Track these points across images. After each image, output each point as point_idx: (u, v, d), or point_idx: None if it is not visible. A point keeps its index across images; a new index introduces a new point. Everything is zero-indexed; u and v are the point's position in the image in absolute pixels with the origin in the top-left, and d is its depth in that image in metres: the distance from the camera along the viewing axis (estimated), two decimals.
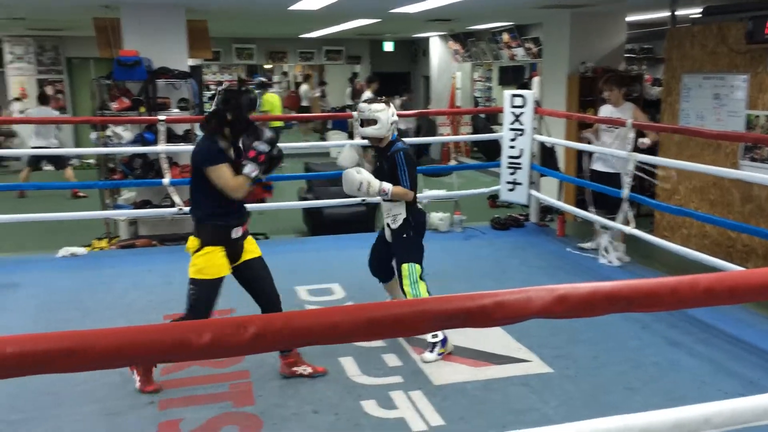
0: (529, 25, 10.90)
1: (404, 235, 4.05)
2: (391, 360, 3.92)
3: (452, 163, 12.47)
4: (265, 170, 3.43)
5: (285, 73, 21.79)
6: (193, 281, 3.40)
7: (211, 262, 3.38)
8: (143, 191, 7.05)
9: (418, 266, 4.01)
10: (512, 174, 6.84)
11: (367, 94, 12.24)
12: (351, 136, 14.22)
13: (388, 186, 3.95)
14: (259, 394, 3.51)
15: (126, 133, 6.75)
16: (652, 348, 4.11)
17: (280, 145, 3.44)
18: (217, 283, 3.42)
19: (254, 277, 3.56)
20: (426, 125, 13.12)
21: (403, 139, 4.26)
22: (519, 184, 6.82)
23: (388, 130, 3.99)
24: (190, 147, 6.93)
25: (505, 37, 11.51)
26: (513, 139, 6.76)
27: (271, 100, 12.20)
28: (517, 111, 6.67)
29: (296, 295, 5.06)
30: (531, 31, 10.89)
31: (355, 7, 8.14)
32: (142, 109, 6.76)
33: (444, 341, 3.93)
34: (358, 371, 3.78)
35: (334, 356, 3.92)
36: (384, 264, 4.34)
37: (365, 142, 4.30)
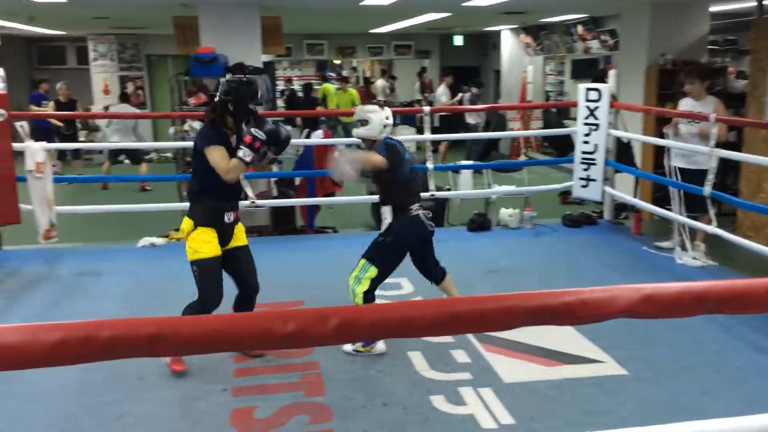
0: (606, 17, 10.59)
1: (381, 238, 3.94)
2: (460, 356, 3.90)
3: (522, 158, 12.28)
4: (263, 156, 3.47)
5: (354, 68, 21.95)
6: (194, 263, 3.51)
7: (205, 241, 3.49)
8: None
9: (374, 270, 3.85)
10: (586, 170, 6.67)
11: (442, 87, 12.20)
12: (420, 131, 14.25)
13: (364, 154, 3.89)
14: (329, 385, 3.56)
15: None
16: (734, 352, 3.94)
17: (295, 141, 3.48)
18: (215, 260, 3.51)
19: (240, 265, 3.69)
20: (495, 120, 12.96)
21: (394, 139, 4.03)
22: (593, 180, 6.65)
23: (379, 132, 3.90)
24: None
25: (580, 29, 11.23)
26: (587, 134, 6.59)
27: (353, 95, 12.55)
28: (592, 105, 6.50)
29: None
30: (607, 22, 10.58)
31: (427, 1, 8.11)
32: None
33: (371, 342, 3.91)
34: (427, 366, 3.77)
35: (402, 350, 3.93)
36: (425, 266, 4.23)
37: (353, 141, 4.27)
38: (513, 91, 13.96)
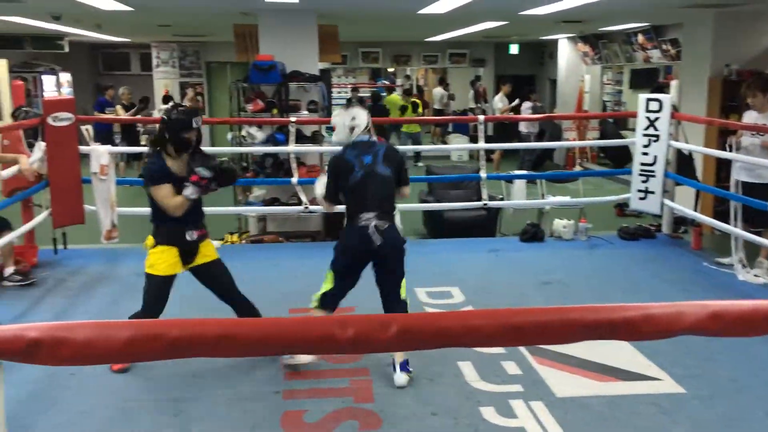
0: (667, 26, 10.33)
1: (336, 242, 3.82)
2: (511, 368, 3.85)
3: (577, 168, 12.09)
4: (207, 190, 3.61)
5: (408, 77, 21.99)
6: (146, 276, 3.66)
7: (161, 260, 3.61)
8: (272, 189, 7.37)
9: (331, 274, 3.72)
10: (644, 182, 6.51)
11: (500, 95, 12.12)
12: (473, 140, 14.17)
13: (318, 192, 3.84)
14: (378, 392, 3.56)
15: (259, 133, 7.08)
16: None
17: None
18: (166, 279, 3.64)
19: (213, 279, 3.78)
20: (550, 129, 12.80)
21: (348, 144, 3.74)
22: (651, 192, 6.49)
23: (347, 136, 3.70)
24: (317, 148, 7.20)
25: (641, 38, 10.99)
26: (646, 146, 6.44)
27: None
28: (653, 116, 6.35)
29: (415, 296, 5.09)
30: (669, 31, 10.32)
31: (484, 10, 8.08)
32: (275, 111, 7.07)
33: None
34: (477, 377, 3.74)
35: (452, 360, 3.90)
36: (381, 291, 3.84)
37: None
38: (569, 100, 13.76)
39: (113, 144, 10.18)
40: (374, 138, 3.81)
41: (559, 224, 6.74)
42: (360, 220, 3.56)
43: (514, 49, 15.70)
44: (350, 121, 3.69)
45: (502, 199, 7.48)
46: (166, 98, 11.50)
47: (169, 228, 3.63)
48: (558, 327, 1.02)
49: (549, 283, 5.39)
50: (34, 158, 5.52)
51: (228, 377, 3.72)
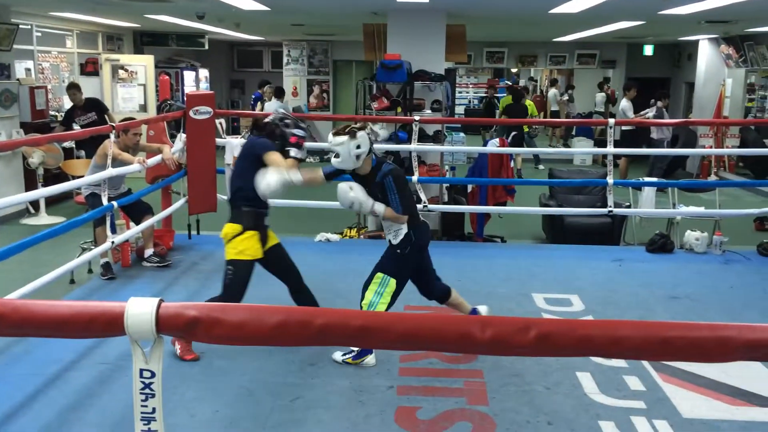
0: None
1: (398, 251, 3.82)
2: (633, 383, 3.68)
3: (713, 178, 11.35)
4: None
5: (532, 78, 21.55)
6: (232, 263, 3.78)
7: (251, 245, 3.79)
8: None
9: (394, 282, 3.76)
10: None
11: (625, 101, 11.60)
12: (597, 144, 13.66)
13: (380, 209, 3.75)
14: (492, 395, 3.52)
15: (382, 131, 7.19)
16: None
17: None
18: (253, 264, 3.82)
19: (280, 261, 4.01)
20: (685, 135, 12.09)
21: (389, 156, 3.93)
22: None
23: (354, 163, 3.71)
24: (438, 147, 7.21)
25: None
26: None
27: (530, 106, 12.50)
28: None
29: (533, 302, 4.99)
30: None
31: (620, 9, 7.75)
32: (399, 109, 7.15)
33: (360, 354, 3.79)
34: (596, 389, 3.61)
35: (571, 369, 3.79)
36: (426, 280, 4.03)
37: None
38: (707, 105, 12.92)
39: None
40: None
41: (691, 236, 6.36)
42: (420, 217, 3.93)
43: (648, 50, 14.96)
44: (356, 150, 3.69)
45: (629, 207, 7.15)
46: (279, 91, 11.90)
47: (256, 212, 3.83)
48: (711, 344, 0.96)
49: (677, 297, 5.11)
50: (175, 148, 5.91)
51: (343, 368, 3.82)
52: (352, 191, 3.73)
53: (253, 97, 13.31)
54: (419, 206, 6.50)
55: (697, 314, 4.75)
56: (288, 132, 3.84)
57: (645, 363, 3.87)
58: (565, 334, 0.99)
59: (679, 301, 5.03)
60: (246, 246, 3.79)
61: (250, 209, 3.82)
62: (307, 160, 13.08)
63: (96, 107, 8.52)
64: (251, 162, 3.82)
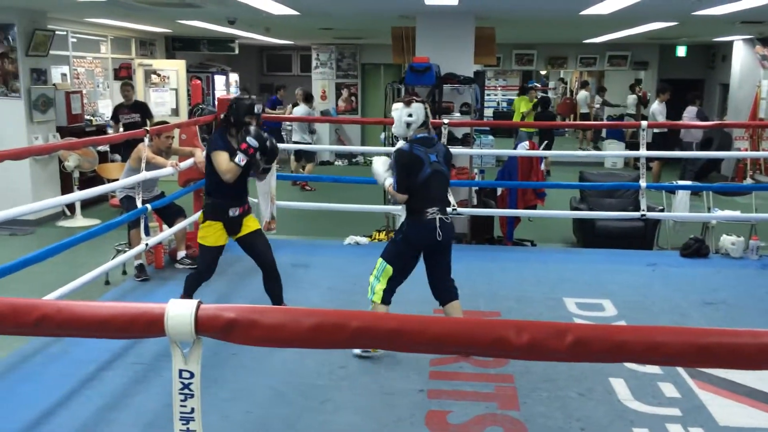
0: None
1: (394, 237, 4.06)
2: (668, 389, 3.63)
3: (749, 181, 11.12)
4: (265, 161, 4.23)
5: (562, 79, 21.36)
6: (199, 246, 4.35)
7: (210, 233, 4.23)
8: None
9: (390, 268, 3.87)
10: None
11: (657, 104, 11.43)
12: (630, 147, 13.47)
13: (386, 183, 3.95)
14: (524, 401, 3.50)
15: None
16: None
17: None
18: (216, 249, 4.27)
19: (254, 246, 4.35)
20: (719, 138, 11.87)
21: (418, 138, 3.86)
22: None
23: (403, 130, 3.88)
24: (468, 150, 7.19)
25: None
26: None
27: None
28: None
29: (564, 306, 4.94)
30: None
31: (652, 11, 7.64)
32: None
33: None
34: (630, 395, 3.56)
35: (604, 375, 3.74)
36: (433, 279, 4.04)
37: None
38: (742, 107, 12.66)
39: (282, 141, 10.75)
40: (434, 134, 4.03)
41: (727, 240, 6.23)
42: (427, 214, 3.82)
43: (681, 51, 14.71)
44: (407, 117, 3.85)
45: (662, 210, 7.04)
46: (308, 96, 11.92)
47: (214, 204, 4.23)
48: (753, 351, 0.94)
49: (712, 303, 5.01)
50: None
51: (372, 370, 3.82)
52: (374, 163, 4.07)
53: (270, 100, 13.24)
54: (448, 209, 6.49)
55: (733, 320, 4.65)
56: (244, 137, 4.11)
57: (680, 369, 3.81)
58: (603, 339, 0.98)
59: (715, 307, 4.93)
60: (206, 233, 4.25)
61: (210, 201, 4.26)
62: (336, 163, 13.17)
63: (142, 110, 8.80)
64: (208, 159, 4.24)
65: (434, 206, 3.82)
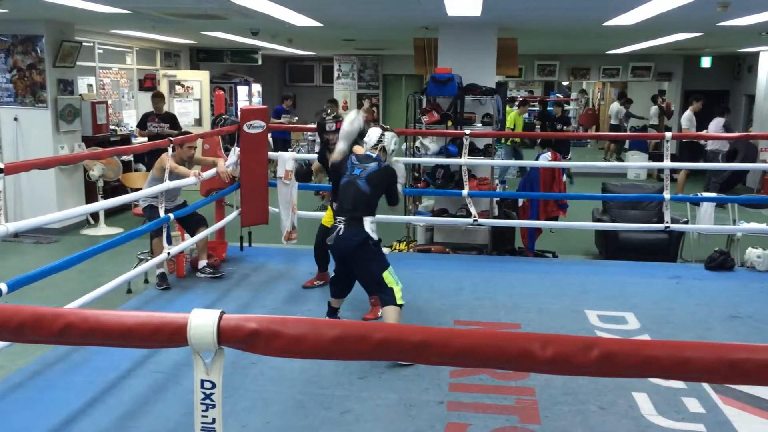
0: None
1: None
2: (692, 405, 3.56)
3: None
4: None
5: (583, 91, 21.24)
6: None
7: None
8: (441, 200, 7.44)
9: (391, 268, 4.22)
10: None
11: (687, 113, 11.32)
12: (653, 158, 13.32)
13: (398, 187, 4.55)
14: (545, 414, 3.45)
15: (432, 144, 7.19)
16: None
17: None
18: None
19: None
20: (745, 150, 11.71)
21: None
22: None
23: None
24: (489, 161, 7.17)
25: None
26: None
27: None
28: None
29: (586, 318, 4.89)
30: None
31: (677, 22, 7.58)
32: (449, 123, 7.14)
33: None
34: (653, 410, 3.50)
35: (627, 390, 3.69)
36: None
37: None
38: None
39: (288, 150, 10.79)
40: (378, 157, 4.27)
41: (753, 253, 6.13)
42: (336, 220, 4.19)
43: (706, 62, 14.57)
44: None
45: (686, 223, 6.95)
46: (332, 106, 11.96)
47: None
48: None
49: (738, 317, 4.93)
50: (229, 162, 6.03)
51: (392, 382, 3.80)
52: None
53: (276, 110, 12.95)
54: (469, 220, 6.47)
55: (760, 335, 4.57)
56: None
57: (705, 384, 3.74)
58: (630, 354, 0.97)
59: (741, 321, 4.85)
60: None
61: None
62: None
63: (171, 121, 8.89)
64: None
65: (341, 216, 4.14)
